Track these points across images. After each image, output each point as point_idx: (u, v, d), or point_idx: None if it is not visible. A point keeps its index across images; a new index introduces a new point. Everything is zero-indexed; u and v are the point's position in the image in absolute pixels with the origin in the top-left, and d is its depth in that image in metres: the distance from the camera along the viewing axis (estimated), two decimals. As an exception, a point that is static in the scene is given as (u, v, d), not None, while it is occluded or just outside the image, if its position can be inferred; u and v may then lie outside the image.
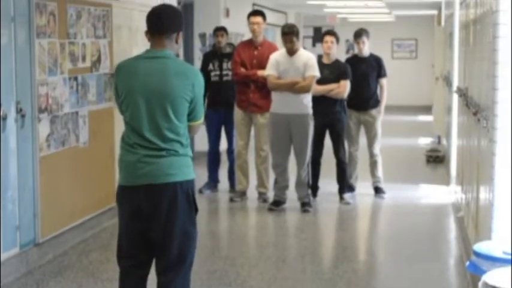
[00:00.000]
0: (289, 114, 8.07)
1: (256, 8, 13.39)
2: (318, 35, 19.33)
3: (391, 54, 23.01)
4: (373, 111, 9.10)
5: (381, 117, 9.18)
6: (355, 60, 9.14)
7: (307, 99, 8.12)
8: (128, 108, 4.07)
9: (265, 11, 9.46)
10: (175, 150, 4.04)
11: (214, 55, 9.23)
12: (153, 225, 4.04)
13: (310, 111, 8.13)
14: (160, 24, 4.09)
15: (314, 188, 8.78)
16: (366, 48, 9.10)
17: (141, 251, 4.11)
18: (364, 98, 9.04)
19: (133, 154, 4.04)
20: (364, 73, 9.02)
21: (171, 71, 4.05)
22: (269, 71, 8.11)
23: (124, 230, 4.14)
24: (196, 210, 4.13)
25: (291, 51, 8.11)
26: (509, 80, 4.75)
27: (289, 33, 8.11)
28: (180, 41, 4.17)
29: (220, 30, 9.28)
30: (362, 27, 9.33)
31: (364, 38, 9.07)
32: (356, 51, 9.30)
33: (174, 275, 4.10)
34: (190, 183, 4.09)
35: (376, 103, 9.13)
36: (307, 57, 8.16)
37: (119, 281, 4.22)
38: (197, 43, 12.71)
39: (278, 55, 8.21)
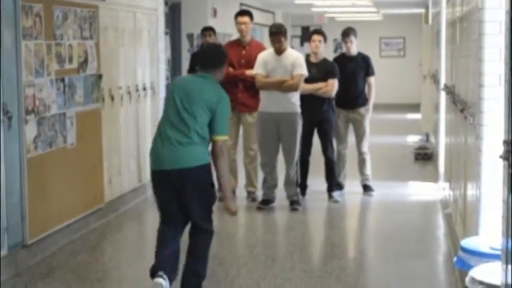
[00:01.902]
0: (277, 113, 8.07)
1: (243, 7, 13.40)
2: (306, 35, 19.32)
3: (379, 52, 23.06)
4: (362, 110, 9.11)
5: (369, 116, 9.20)
6: (343, 59, 9.15)
7: (295, 98, 8.12)
8: (168, 103, 5.24)
9: (253, 11, 9.46)
10: (195, 140, 5.08)
11: (201, 55, 9.21)
12: (183, 197, 5.14)
13: (299, 110, 8.14)
14: (206, 63, 5.32)
15: (303, 187, 8.79)
16: (354, 47, 9.11)
17: (177, 214, 5.23)
18: (352, 97, 9.05)
19: (163, 142, 5.12)
20: (352, 72, 9.03)
21: (207, 85, 5.23)
22: (257, 70, 8.10)
23: (162, 201, 5.26)
24: (212, 185, 5.19)
25: (279, 51, 8.11)
26: (496, 77, 4.78)
27: (277, 33, 8.11)
28: (223, 71, 5.36)
29: (208, 30, 9.27)
30: (350, 26, 9.34)
31: (352, 37, 9.08)
32: (344, 50, 9.31)
33: (199, 226, 5.27)
34: (209, 165, 5.17)
35: (364, 101, 9.15)
36: (295, 56, 8.16)
37: (158, 234, 5.27)
38: (185, 43, 12.70)
39: (266, 54, 8.21)
